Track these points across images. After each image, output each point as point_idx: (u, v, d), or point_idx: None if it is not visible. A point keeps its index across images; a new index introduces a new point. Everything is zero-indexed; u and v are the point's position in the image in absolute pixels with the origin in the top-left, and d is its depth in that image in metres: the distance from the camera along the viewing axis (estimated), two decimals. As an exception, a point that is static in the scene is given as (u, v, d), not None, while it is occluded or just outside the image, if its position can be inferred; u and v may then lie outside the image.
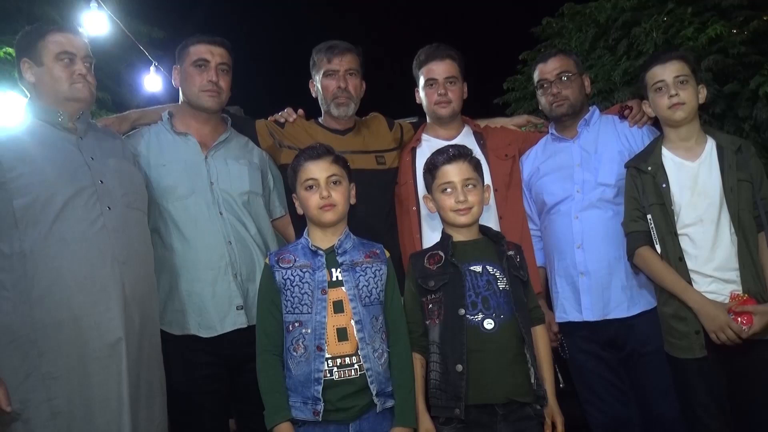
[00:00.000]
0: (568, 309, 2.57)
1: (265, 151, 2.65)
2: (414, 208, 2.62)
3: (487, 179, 2.47)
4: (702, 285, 2.27)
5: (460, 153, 2.24)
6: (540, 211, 2.71)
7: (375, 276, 2.11)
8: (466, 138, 2.70)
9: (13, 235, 1.99)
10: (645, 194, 2.36)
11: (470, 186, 2.20)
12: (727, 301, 2.23)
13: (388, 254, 2.20)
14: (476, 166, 2.25)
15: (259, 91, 7.49)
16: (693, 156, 2.37)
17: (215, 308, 2.31)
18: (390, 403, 2.06)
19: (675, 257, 2.29)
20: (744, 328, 2.17)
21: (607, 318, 2.49)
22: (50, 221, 2.01)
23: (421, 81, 2.72)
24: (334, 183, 2.13)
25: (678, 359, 2.30)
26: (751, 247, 2.26)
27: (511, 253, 2.20)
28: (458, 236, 2.21)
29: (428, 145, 2.64)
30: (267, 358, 2.06)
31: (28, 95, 2.23)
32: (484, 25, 9.80)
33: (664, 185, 2.34)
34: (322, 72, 2.67)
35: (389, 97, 3.73)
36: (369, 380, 2.02)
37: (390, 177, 2.70)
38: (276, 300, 2.08)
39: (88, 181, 2.10)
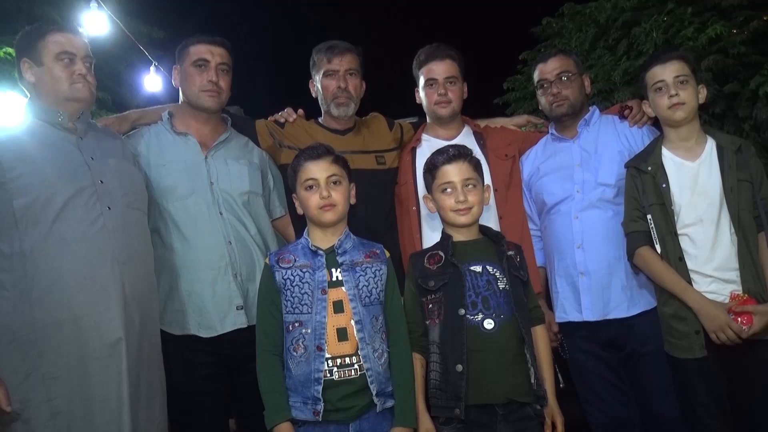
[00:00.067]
0: (568, 309, 2.57)
1: (265, 151, 2.65)
2: (414, 208, 2.62)
3: (487, 179, 2.47)
4: (702, 285, 2.27)
5: (460, 153, 2.24)
6: (540, 211, 2.71)
7: (375, 276, 2.11)
8: (466, 138, 2.70)
9: (13, 235, 1.99)
10: (645, 194, 2.36)
11: (470, 186, 2.20)
12: (727, 301, 2.23)
13: (388, 254, 2.20)
14: (476, 166, 2.25)
15: (259, 91, 7.49)
16: (693, 156, 2.37)
17: (215, 308, 2.31)
18: (390, 403, 2.06)
19: (675, 257, 2.29)
20: (744, 328, 2.17)
21: (607, 318, 2.49)
22: (50, 221, 2.01)
23: (421, 81, 2.72)
24: (334, 183, 2.13)
25: (678, 359, 2.30)
26: (751, 247, 2.26)
27: (511, 253, 2.20)
28: (458, 236, 2.21)
29: (428, 145, 2.64)
30: (267, 358, 2.06)
31: (28, 95, 2.23)
32: (484, 25, 9.80)
33: (664, 185, 2.34)
34: (322, 72, 2.67)
35: (389, 97, 3.73)
36: (369, 380, 2.02)
37: (390, 177, 2.70)
38: (276, 300, 2.08)
39: (88, 181, 2.10)
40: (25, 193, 2.00)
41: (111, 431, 1.99)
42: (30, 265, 1.98)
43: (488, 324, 2.06)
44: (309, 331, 2.03)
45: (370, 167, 2.63)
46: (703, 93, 2.42)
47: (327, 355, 2.01)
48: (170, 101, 2.79)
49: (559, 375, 2.40)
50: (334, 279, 2.08)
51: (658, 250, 2.32)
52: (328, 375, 2.00)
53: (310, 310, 2.04)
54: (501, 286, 2.11)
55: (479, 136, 2.73)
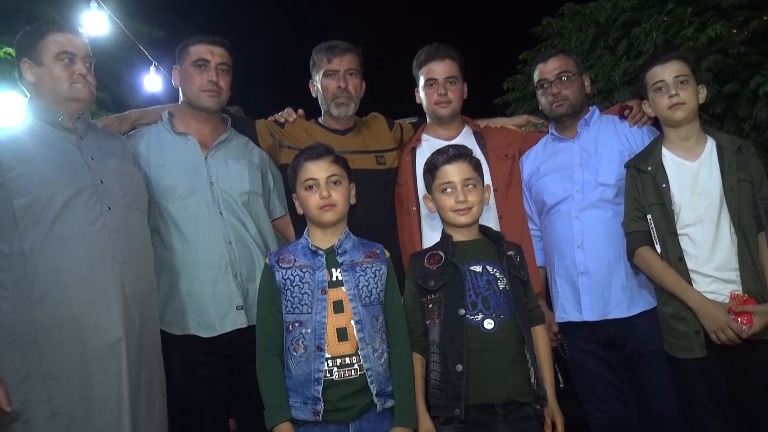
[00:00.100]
0: (568, 309, 2.57)
1: (265, 151, 2.65)
2: (414, 208, 2.62)
3: (487, 179, 2.47)
4: (702, 285, 2.27)
5: (460, 153, 2.24)
6: (540, 211, 2.71)
7: (375, 276, 2.11)
8: (466, 138, 2.70)
9: (13, 235, 1.99)
10: (645, 194, 2.36)
11: (470, 186, 2.20)
12: (727, 301, 2.23)
13: (388, 254, 2.20)
14: (476, 166, 2.25)
15: (259, 91, 7.49)
16: (693, 156, 2.37)
17: (215, 308, 2.31)
18: (390, 403, 2.06)
19: (675, 257, 2.29)
20: (744, 328, 2.17)
21: (607, 318, 2.49)
22: (50, 221, 2.01)
23: (421, 81, 2.72)
24: (334, 183, 2.13)
25: (678, 359, 2.30)
26: (751, 247, 2.26)
27: (511, 253, 2.20)
28: (458, 236, 2.21)
29: (428, 145, 2.64)
30: (267, 358, 2.06)
31: (28, 95, 2.23)
32: (484, 25, 9.80)
33: (664, 185, 2.34)
34: (322, 72, 2.67)
35: (389, 97, 3.73)
36: (369, 380, 2.02)
37: (390, 177, 2.70)
38: (276, 300, 2.08)
39: (88, 181, 2.10)
40: (25, 193, 2.00)
41: (111, 431, 1.99)
42: (30, 265, 1.98)
43: (488, 324, 2.06)
44: (309, 331, 2.03)
45: (370, 167, 2.63)
46: (703, 93, 2.42)
47: (327, 355, 2.01)
48: (170, 101, 2.79)
49: (559, 375, 2.40)
50: (334, 279, 2.08)
51: (658, 250, 2.32)
52: (328, 375, 2.00)
53: (310, 310, 2.04)
54: (501, 286, 2.11)
55: (479, 136, 2.73)
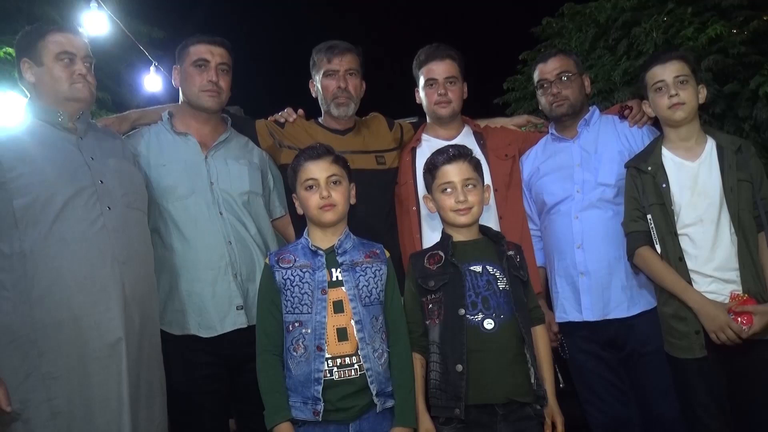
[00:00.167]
0: (568, 309, 2.57)
1: (265, 151, 2.65)
2: (414, 208, 2.62)
3: (487, 179, 2.47)
4: (702, 285, 2.27)
5: (460, 153, 2.24)
6: (540, 211, 2.71)
7: (375, 276, 2.11)
8: (466, 138, 2.70)
9: (13, 235, 1.99)
10: (645, 194, 2.36)
11: (470, 186, 2.20)
12: (727, 301, 2.23)
13: (388, 254, 2.20)
14: (476, 166, 2.25)
15: (259, 91, 7.49)
16: (693, 156, 2.37)
17: (215, 308, 2.31)
18: (390, 403, 2.06)
19: (675, 257, 2.29)
20: (744, 328, 2.17)
21: (607, 318, 2.49)
22: (50, 221, 2.01)
23: (421, 81, 2.72)
24: (334, 183, 2.13)
25: (678, 359, 2.30)
26: (751, 247, 2.26)
27: (511, 253, 2.20)
28: (458, 236, 2.21)
29: (428, 145, 2.64)
30: (267, 358, 2.06)
31: (28, 95, 2.23)
32: (484, 25, 9.80)
33: (664, 185, 2.34)
34: (322, 72, 2.67)
35: (389, 97, 3.73)
36: (369, 380, 2.02)
37: (390, 177, 2.70)
38: (276, 300, 2.08)
39: (88, 181, 2.10)
40: (25, 193, 2.00)
41: (111, 431, 1.99)
42: (30, 265, 1.98)
43: (488, 324, 2.06)
44: (309, 331, 2.03)
45: (370, 167, 2.63)
46: (703, 93, 2.42)
47: (327, 355, 2.01)
48: (170, 101, 2.78)
49: (559, 375, 2.40)
50: (334, 279, 2.08)
51: (658, 250, 2.32)
52: (328, 375, 2.00)
53: (310, 310, 2.04)
54: (501, 286, 2.11)
55: (479, 136, 2.73)
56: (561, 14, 7.02)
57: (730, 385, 2.25)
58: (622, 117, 2.67)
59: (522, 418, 2.04)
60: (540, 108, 2.81)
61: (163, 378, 2.21)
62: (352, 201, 2.20)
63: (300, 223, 2.33)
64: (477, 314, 2.07)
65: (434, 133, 2.74)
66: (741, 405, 2.25)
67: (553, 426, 2.10)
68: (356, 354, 2.02)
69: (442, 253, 2.17)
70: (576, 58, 2.76)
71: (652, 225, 2.33)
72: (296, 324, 2.04)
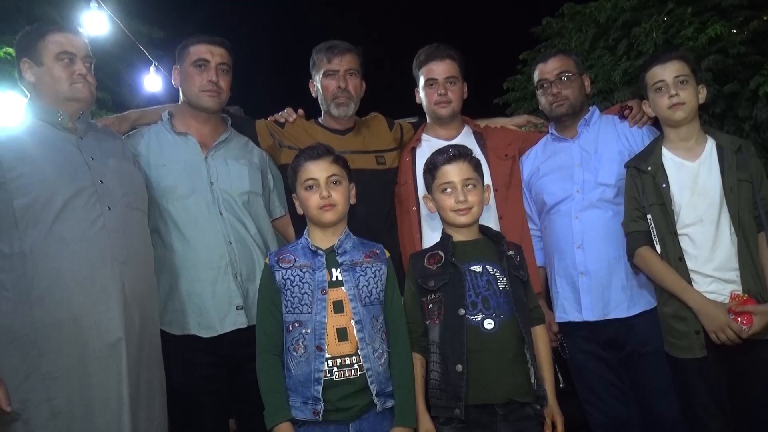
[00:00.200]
0: (568, 309, 2.57)
1: (265, 151, 2.65)
2: (414, 208, 2.62)
3: (487, 179, 2.47)
4: (702, 285, 2.27)
5: (460, 153, 2.24)
6: (540, 211, 2.71)
7: (375, 276, 2.11)
8: (466, 138, 2.70)
9: (13, 235, 1.99)
10: (645, 194, 2.36)
11: (470, 186, 2.20)
12: (727, 301, 2.23)
13: (388, 254, 2.20)
14: (476, 166, 2.25)
15: (259, 91, 7.49)
16: (693, 156, 2.37)
17: (215, 308, 2.31)
18: (390, 403, 2.06)
19: (675, 257, 2.29)
20: (744, 328, 2.17)
21: (607, 318, 2.49)
22: (50, 221, 2.01)
23: (421, 81, 2.72)
24: (334, 183, 2.13)
25: (678, 359, 2.30)
26: (751, 247, 2.26)
27: (511, 253, 2.20)
28: (458, 236, 2.21)
29: (428, 145, 2.64)
30: (267, 358, 2.06)
31: (28, 95, 2.23)
32: (484, 25, 9.80)
33: (664, 185, 2.34)
34: (322, 72, 2.67)
35: (389, 97, 3.73)
36: (369, 380, 2.02)
37: (390, 177, 2.70)
38: (276, 300, 2.08)
39: (88, 181, 2.10)
40: (25, 193, 2.00)
41: (111, 431, 1.99)
42: (30, 265, 1.98)
43: (488, 324, 2.06)
44: (309, 331, 2.03)
45: (370, 167, 2.63)
46: (703, 93, 2.42)
47: (327, 355, 2.01)
48: (170, 101, 2.78)
49: (559, 375, 2.40)
50: (334, 279, 2.08)
51: (658, 250, 2.32)
52: (328, 375, 2.00)
53: (310, 310, 2.04)
54: (501, 286, 2.11)
55: (479, 136, 2.73)
56: (561, 14, 7.02)
57: (730, 385, 2.25)
58: (622, 117, 2.67)
59: (522, 418, 2.04)
60: (540, 108, 2.81)
61: (163, 378, 2.21)
62: (352, 201, 2.20)
63: (300, 223, 2.33)
64: (477, 314, 2.07)
65: (434, 133, 2.74)
66: (741, 405, 2.25)
67: (553, 426, 2.10)
68: (356, 354, 2.02)
69: (442, 253, 2.17)
70: (576, 58, 2.76)
71: (652, 225, 2.33)
72: (296, 324, 2.04)
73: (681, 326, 2.28)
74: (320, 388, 1.99)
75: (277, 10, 9.93)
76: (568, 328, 2.59)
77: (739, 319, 2.18)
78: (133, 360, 2.06)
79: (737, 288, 2.24)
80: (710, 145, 2.37)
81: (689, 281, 2.27)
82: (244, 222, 2.42)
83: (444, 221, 2.25)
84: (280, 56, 10.27)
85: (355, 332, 2.04)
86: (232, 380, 2.36)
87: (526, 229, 2.68)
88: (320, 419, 1.99)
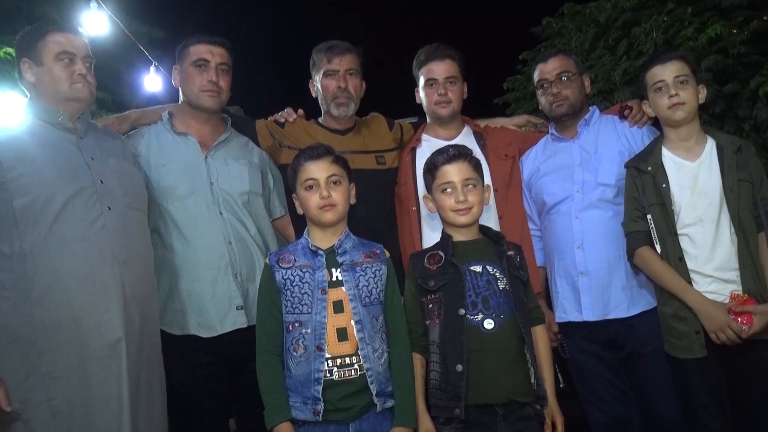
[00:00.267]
0: (568, 309, 2.57)
1: (265, 151, 2.65)
2: (414, 208, 2.62)
3: (487, 179, 2.47)
4: (702, 285, 2.27)
5: (460, 153, 2.24)
6: (540, 211, 2.71)
7: (375, 276, 2.11)
8: (466, 138, 2.70)
9: (13, 235, 1.99)
10: (645, 194, 2.36)
11: (470, 186, 2.20)
12: (727, 301, 2.23)
13: (388, 254, 2.20)
14: (476, 166, 2.25)
15: (259, 91, 7.49)
16: (693, 156, 2.37)
17: (215, 308, 2.31)
18: (390, 403, 2.06)
19: (675, 257, 2.29)
20: (744, 328, 2.17)
21: (607, 318, 2.49)
22: (50, 221, 2.01)
23: (421, 81, 2.72)
24: (334, 183, 2.13)
25: (678, 359, 2.30)
26: (751, 247, 2.26)
27: (511, 253, 2.20)
28: (458, 236, 2.21)
29: (428, 145, 2.64)
30: (267, 358, 2.06)
31: (28, 95, 2.23)
32: (484, 25, 9.80)
33: (664, 185, 2.34)
34: (322, 72, 2.67)
35: (389, 97, 3.73)
36: (369, 380, 2.01)
37: (390, 177, 2.70)
38: (276, 300, 2.08)
39: (88, 181, 2.10)
40: (25, 193, 2.00)
41: (111, 431, 1.99)
42: (30, 265, 1.98)
43: (488, 324, 2.06)
44: (309, 331, 2.03)
45: (370, 167, 2.63)
46: (703, 93, 2.42)
47: (327, 355, 2.01)
48: (170, 101, 2.79)
49: (559, 375, 2.40)
50: (334, 279, 2.08)
51: (658, 250, 2.32)
52: (328, 375, 2.00)
53: (310, 310, 2.04)
54: (501, 286, 2.11)
55: (479, 136, 2.73)
56: (561, 14, 7.02)
57: (730, 385, 2.25)
58: (622, 117, 2.67)
59: (522, 418, 2.04)
60: (540, 108, 2.81)
61: (163, 378, 2.21)
62: (352, 201, 2.20)
63: (300, 223, 2.33)
64: (477, 314, 2.07)
65: (434, 133, 2.74)
66: (741, 405, 2.25)
67: (553, 426, 2.10)
68: (356, 354, 2.02)
69: (442, 253, 2.17)
70: (576, 58, 2.76)
71: (652, 225, 2.33)
72: (296, 324, 2.04)
73: (681, 326, 2.28)
74: (320, 388, 1.99)
75: (277, 10, 9.93)
76: (568, 328, 2.59)
77: (739, 319, 2.18)
78: (133, 360, 2.06)
79: (737, 288, 2.24)
80: (710, 145, 2.37)
81: (689, 281, 2.27)
82: (244, 222, 2.42)
83: (444, 221, 2.25)
84: (280, 56, 10.28)
85: (355, 332, 2.03)
86: (232, 380, 2.35)
87: (526, 229, 2.68)
88: (320, 419, 1.98)
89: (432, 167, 2.25)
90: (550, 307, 2.65)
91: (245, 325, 2.31)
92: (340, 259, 2.10)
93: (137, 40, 6.52)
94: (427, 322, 2.14)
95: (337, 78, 2.64)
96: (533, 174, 2.72)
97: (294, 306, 2.05)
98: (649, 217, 2.34)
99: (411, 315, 2.16)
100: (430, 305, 2.13)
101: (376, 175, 2.64)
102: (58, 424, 1.95)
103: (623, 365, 2.52)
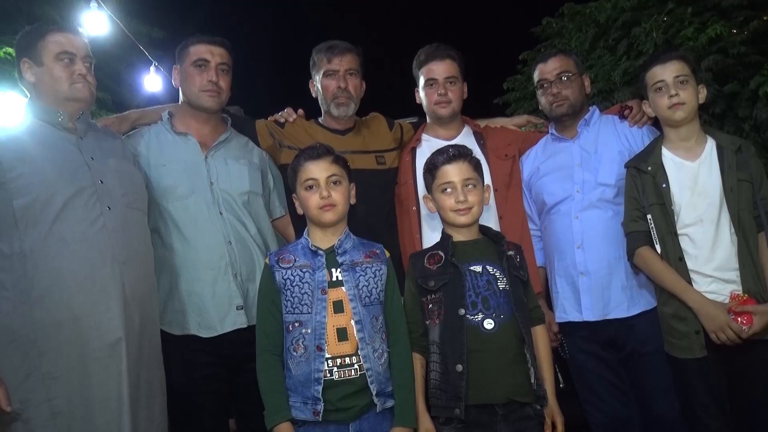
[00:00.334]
0: (568, 309, 2.57)
1: (265, 151, 2.65)
2: (414, 208, 2.62)
3: (487, 179, 2.47)
4: (702, 285, 2.27)
5: (460, 153, 2.24)
6: (540, 211, 2.71)
7: (375, 276, 2.11)
8: (466, 138, 2.70)
9: (13, 235, 1.99)
10: (645, 194, 2.36)
11: (470, 186, 2.20)
12: (727, 301, 2.23)
13: (388, 254, 2.20)
14: (476, 166, 2.25)
15: (259, 91, 7.49)
16: (693, 156, 2.37)
17: (215, 308, 2.31)
18: (390, 403, 2.06)
19: (675, 257, 2.29)
20: (744, 328, 2.17)
21: (607, 318, 2.49)
22: (50, 221, 2.01)
23: (421, 81, 2.72)
24: (334, 183, 2.13)
25: (678, 359, 2.30)
26: (751, 247, 2.26)
27: (511, 253, 2.20)
28: (458, 236, 2.21)
29: (428, 145, 2.64)
30: (267, 358, 2.06)
31: (28, 95, 2.23)
32: (484, 25, 9.80)
33: (664, 185, 2.34)
34: (322, 72, 2.67)
35: (389, 97, 3.73)
36: (369, 380, 2.02)
37: (390, 177, 2.70)
38: (276, 300, 2.08)
39: (88, 181, 2.10)
40: (25, 193, 2.00)
41: (111, 431, 1.99)
42: (30, 265, 1.98)
43: (488, 324, 2.06)
44: (309, 331, 2.03)
45: (370, 167, 2.64)
46: (703, 93, 2.42)
47: (327, 355, 2.01)
48: (170, 101, 2.78)
49: (559, 375, 2.40)
50: (334, 279, 2.08)
51: (658, 250, 2.32)
52: (328, 375, 2.00)
53: (310, 310, 2.04)
54: (501, 286, 2.11)
55: (479, 136, 2.73)
56: (561, 14, 7.02)
57: (730, 385, 2.25)
58: (622, 117, 2.67)
59: (522, 418, 2.04)
60: (540, 108, 2.81)
61: (163, 378, 2.21)
62: (352, 201, 2.20)
63: (300, 223, 2.33)
64: (477, 314, 2.07)
65: (434, 133, 2.74)
66: (741, 405, 2.25)
67: (553, 426, 2.10)
68: (356, 354, 2.02)
69: (442, 253, 2.17)
70: (576, 58, 2.76)
71: (652, 225, 2.33)
72: (296, 324, 2.04)
73: (681, 326, 2.28)
74: (320, 388, 1.99)
75: (277, 10, 9.93)
76: (568, 328, 2.59)
77: (739, 319, 2.18)
78: (133, 360, 2.06)
79: (737, 288, 2.24)
80: (710, 145, 2.37)
81: (689, 281, 2.27)
82: (244, 222, 2.42)
83: (444, 221, 2.25)
84: (280, 56, 10.28)
85: (355, 332, 2.04)
86: (232, 380, 2.36)
87: (526, 229, 2.68)
88: (320, 419, 1.99)
89: (432, 167, 2.25)
90: (550, 307, 2.65)
91: (245, 325, 2.31)
92: (340, 259, 2.10)
93: (137, 40, 6.52)
94: (427, 322, 2.14)
95: (337, 78, 2.64)
96: (533, 174, 2.72)
97: (294, 306, 2.05)
98: (649, 217, 2.34)
99: (411, 315, 2.16)
100: (430, 305, 2.13)
101: (376, 175, 2.64)
102: (58, 424, 1.95)
103: (623, 365, 2.52)
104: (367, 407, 2.03)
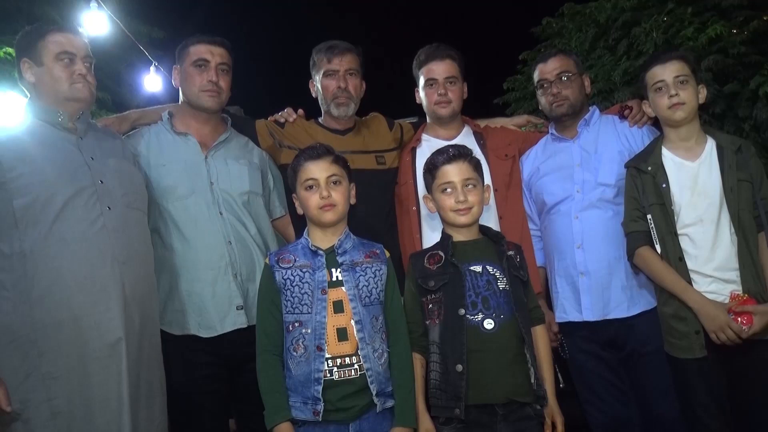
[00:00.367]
0: (568, 309, 2.57)
1: (265, 151, 2.65)
2: (414, 208, 2.62)
3: (487, 179, 2.47)
4: (702, 285, 2.27)
5: (460, 153, 2.24)
6: (540, 211, 2.71)
7: (375, 276, 2.11)
8: (466, 138, 2.70)
9: (13, 235, 1.99)
10: (645, 194, 2.36)
11: (470, 186, 2.20)
12: (727, 301, 2.23)
13: (388, 254, 2.20)
14: (476, 166, 2.25)
15: (259, 91, 7.49)
16: (693, 156, 2.37)
17: (215, 308, 2.31)
18: (390, 403, 2.06)
19: (675, 257, 2.29)
20: (744, 328, 2.17)
21: (607, 318, 2.49)
22: (50, 221, 2.01)
23: (421, 81, 2.72)
24: (334, 183, 2.13)
25: (678, 359, 2.30)
26: (751, 247, 2.26)
27: (511, 253, 2.20)
28: (458, 236, 2.21)
29: (428, 145, 2.64)
30: (267, 358, 2.06)
31: (28, 95, 2.23)
32: (484, 25, 9.80)
33: (664, 185, 2.34)
34: (322, 72, 2.67)
35: (389, 97, 3.73)
36: (369, 380, 2.02)
37: (390, 177, 2.70)
38: (276, 300, 2.08)
39: (88, 181, 2.10)
40: (25, 193, 2.00)
41: (111, 431, 1.99)
42: (30, 265, 1.98)
43: (488, 324, 2.06)
44: (309, 331, 2.03)
45: (370, 167, 2.64)
46: (703, 93, 2.42)
47: (327, 355, 2.01)
48: (170, 101, 2.78)
49: (559, 375, 2.40)
50: (334, 279, 2.08)
51: (658, 250, 2.32)
52: (328, 375, 2.00)
53: (310, 310, 2.04)
54: (501, 286, 2.11)
55: (479, 136, 2.73)
56: (561, 14, 7.02)
57: (730, 385, 2.25)
58: (622, 117, 2.67)
59: (522, 418, 2.04)
60: (540, 108, 2.81)
61: (163, 378, 2.21)
62: (352, 201, 2.20)
63: (300, 223, 2.33)
64: (477, 314, 2.07)
65: (434, 133, 2.74)
66: (741, 405, 2.25)
67: (553, 426, 2.10)
68: (356, 354, 2.02)
69: (442, 253, 2.17)
70: (576, 58, 2.76)
71: (652, 225, 2.33)
72: (296, 324, 2.04)
73: (681, 326, 2.28)
74: (320, 388, 1.99)
75: (277, 10, 9.93)
76: (568, 328, 2.59)
77: (739, 319, 2.18)
78: (133, 360, 2.06)
79: (737, 288, 2.24)
80: (710, 145, 2.37)
81: (689, 281, 2.27)
82: (244, 222, 2.42)
83: (444, 221, 2.25)
84: (280, 56, 10.28)
85: (355, 332, 2.04)
86: (232, 380, 2.36)
87: (526, 229, 2.68)
88: (320, 419, 1.99)
89: (432, 167, 2.25)
90: (550, 307, 2.65)
91: (245, 325, 2.31)
92: (340, 259, 2.10)
93: (137, 40, 6.52)
94: (427, 322, 2.14)
95: (337, 78, 2.64)
96: (533, 174, 2.72)
97: (294, 306, 2.05)
98: (649, 217, 2.34)
99: (411, 315, 2.16)
100: (430, 305, 2.13)
101: (376, 175, 2.64)
102: (58, 424, 1.95)
103: (623, 365, 2.52)
104: (367, 407, 2.03)
